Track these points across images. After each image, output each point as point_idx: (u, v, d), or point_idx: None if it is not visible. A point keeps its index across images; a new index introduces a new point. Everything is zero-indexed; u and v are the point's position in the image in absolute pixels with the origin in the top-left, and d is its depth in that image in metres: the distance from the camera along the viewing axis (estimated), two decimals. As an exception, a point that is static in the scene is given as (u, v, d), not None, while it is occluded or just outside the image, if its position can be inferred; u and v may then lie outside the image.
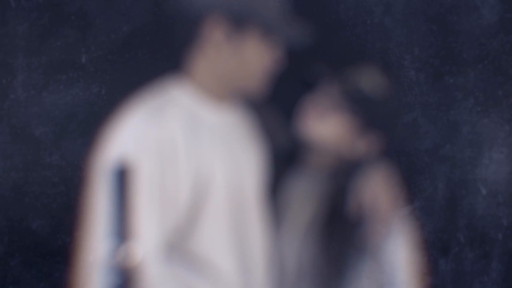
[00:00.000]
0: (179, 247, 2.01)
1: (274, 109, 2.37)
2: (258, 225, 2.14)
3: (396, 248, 2.26)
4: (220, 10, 2.04)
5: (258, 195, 2.16)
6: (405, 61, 3.08)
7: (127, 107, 2.08)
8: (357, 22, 3.08)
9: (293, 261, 2.26)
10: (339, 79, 2.28)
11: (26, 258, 3.13)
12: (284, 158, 2.34)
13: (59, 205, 3.13)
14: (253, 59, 2.07)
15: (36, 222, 3.13)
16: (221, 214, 2.05)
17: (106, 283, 1.59)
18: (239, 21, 2.04)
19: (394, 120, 2.41)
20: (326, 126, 2.26)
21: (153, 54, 3.10)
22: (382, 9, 3.08)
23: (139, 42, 3.10)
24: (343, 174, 2.28)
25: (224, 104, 2.13)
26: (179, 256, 2.01)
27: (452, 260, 3.10)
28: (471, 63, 3.08)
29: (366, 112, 2.26)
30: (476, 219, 3.10)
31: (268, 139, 2.29)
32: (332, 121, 2.26)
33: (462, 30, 3.08)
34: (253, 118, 2.27)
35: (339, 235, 2.24)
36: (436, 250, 3.10)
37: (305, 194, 2.32)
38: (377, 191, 2.23)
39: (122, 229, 1.59)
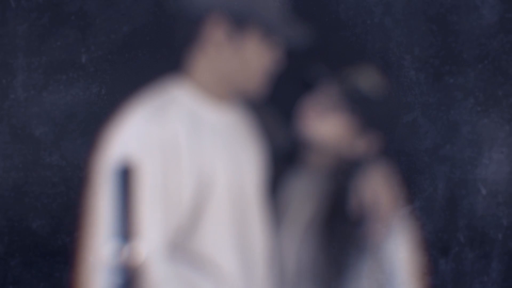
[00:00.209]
0: (181, 246, 2.01)
1: (274, 109, 2.37)
2: (259, 224, 2.14)
3: (396, 248, 2.26)
4: (221, 10, 2.04)
5: (258, 195, 2.17)
6: (405, 61, 3.08)
7: (129, 107, 2.08)
8: (357, 22, 3.08)
9: (293, 260, 2.26)
10: (338, 79, 2.28)
11: (26, 258, 3.13)
12: (284, 157, 2.34)
13: (59, 205, 3.13)
14: (253, 59, 2.08)
15: (36, 222, 3.13)
16: (223, 213, 2.05)
17: (110, 283, 1.59)
18: (240, 21, 2.05)
19: (393, 120, 2.41)
20: (325, 126, 2.27)
21: (153, 54, 3.10)
22: (382, 9, 3.08)
23: (139, 42, 3.10)
24: (343, 174, 2.28)
25: (224, 104, 2.13)
26: (182, 255, 2.01)
27: (452, 260, 3.10)
28: (471, 63, 3.08)
29: (365, 112, 2.26)
30: (476, 219, 3.10)
31: (268, 139, 2.29)
32: (332, 121, 2.26)
33: (462, 30, 3.08)
34: (252, 118, 2.27)
35: (339, 235, 2.25)
36: (436, 250, 3.10)
37: (305, 194, 2.32)
38: (377, 190, 2.23)
39: (125, 228, 1.59)
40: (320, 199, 2.29)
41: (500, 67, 3.08)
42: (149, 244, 1.91)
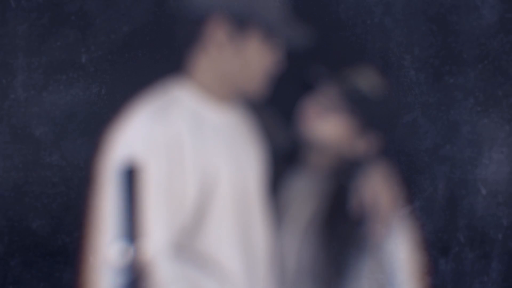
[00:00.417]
0: (185, 246, 2.01)
1: (274, 110, 2.38)
2: (261, 224, 2.15)
3: (396, 248, 2.26)
4: (222, 11, 2.04)
5: (260, 194, 2.17)
6: (405, 61, 3.08)
7: (131, 107, 2.08)
8: (357, 22, 3.08)
9: (294, 260, 2.27)
10: (338, 79, 2.29)
11: (26, 258, 3.13)
12: (284, 158, 2.35)
13: (59, 205, 3.13)
14: (254, 60, 2.08)
15: (36, 222, 3.13)
16: (226, 213, 2.05)
17: (115, 283, 1.59)
18: (241, 22, 2.05)
19: (393, 120, 2.41)
20: (325, 126, 2.27)
21: (153, 54, 3.10)
22: (382, 9, 3.08)
23: (139, 42, 3.10)
24: (343, 174, 2.28)
25: (225, 104, 2.13)
26: (186, 255, 2.02)
27: (452, 260, 3.10)
28: (471, 63, 3.08)
29: (365, 112, 2.27)
30: (476, 219, 3.10)
31: (268, 139, 2.29)
32: (332, 121, 2.27)
33: (462, 30, 3.07)
34: (253, 119, 2.27)
35: (339, 234, 2.25)
36: (436, 250, 3.10)
37: (305, 194, 2.32)
38: (377, 190, 2.23)
39: (131, 229, 1.59)
40: (321, 199, 2.29)
41: (500, 67, 3.08)
42: (155, 244, 1.91)
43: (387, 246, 2.25)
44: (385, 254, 2.26)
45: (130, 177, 1.58)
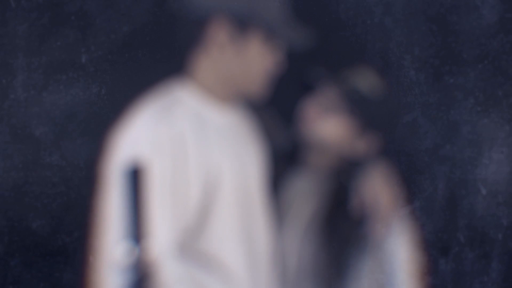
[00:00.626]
0: (189, 246, 2.02)
1: (274, 110, 2.38)
2: (263, 223, 2.15)
3: (396, 248, 2.26)
4: (224, 12, 2.05)
5: (262, 194, 2.17)
6: (405, 61, 3.08)
7: (134, 108, 2.08)
8: (357, 22, 3.08)
9: (295, 259, 2.27)
10: (338, 80, 2.29)
11: (26, 258, 3.13)
12: (285, 158, 2.35)
13: (59, 205, 3.13)
14: (255, 61, 2.08)
15: (36, 222, 3.13)
16: (229, 212, 2.06)
17: (121, 283, 1.59)
18: (242, 23, 2.06)
19: (392, 120, 2.42)
20: (325, 126, 2.27)
21: (153, 54, 3.10)
22: (382, 9, 3.08)
23: (139, 42, 3.10)
24: (344, 174, 2.28)
25: (226, 105, 2.13)
26: (190, 255, 2.02)
27: (452, 260, 3.10)
28: (471, 63, 3.08)
29: (364, 112, 2.27)
30: (476, 219, 3.10)
31: (269, 140, 2.30)
32: (332, 121, 2.27)
33: (462, 30, 3.08)
34: (253, 119, 2.27)
35: (340, 234, 2.25)
36: (436, 250, 3.10)
37: (306, 193, 2.32)
38: (378, 189, 2.23)
39: (136, 228, 1.59)
40: (321, 199, 2.29)
41: (500, 67, 3.08)
42: (160, 244, 1.92)
43: (387, 246, 2.25)
44: (385, 254, 2.26)
45: (135, 177, 1.58)
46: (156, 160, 1.94)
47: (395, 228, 2.26)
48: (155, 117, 2.01)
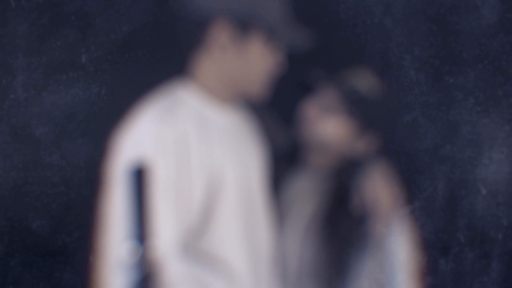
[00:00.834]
0: (192, 246, 2.02)
1: (274, 111, 2.38)
2: (265, 222, 2.16)
3: (396, 248, 2.26)
4: (225, 14, 2.05)
5: (263, 194, 2.18)
6: (405, 61, 3.09)
7: (136, 108, 2.08)
8: (357, 22, 3.08)
9: (295, 259, 2.27)
10: (336, 81, 2.29)
11: (26, 258, 3.13)
12: (285, 158, 2.35)
13: (59, 205, 3.13)
14: (256, 62, 2.09)
15: (36, 222, 3.13)
16: (232, 212, 2.06)
17: (125, 282, 1.59)
18: (244, 25, 2.06)
19: (391, 120, 2.42)
20: (325, 127, 2.27)
21: (153, 54, 3.10)
22: (382, 9, 3.08)
23: (139, 42, 3.10)
24: (344, 174, 2.28)
25: (227, 105, 2.14)
26: (193, 254, 2.02)
27: (452, 260, 3.10)
28: (471, 63, 3.08)
29: (363, 112, 2.27)
30: (476, 219, 3.10)
31: (269, 140, 2.30)
32: (331, 122, 2.27)
33: (462, 30, 3.08)
34: (254, 120, 2.28)
35: (340, 234, 2.25)
36: (436, 250, 3.10)
37: (306, 193, 2.32)
38: (378, 189, 2.23)
39: (140, 228, 1.59)
40: (321, 199, 2.29)
41: (500, 67, 3.08)
42: (164, 244, 1.92)
43: (387, 246, 2.25)
44: (385, 254, 2.26)
45: (139, 177, 1.58)
46: (160, 160, 1.94)
47: (395, 228, 2.26)
48: (158, 117, 2.01)
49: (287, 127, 2.36)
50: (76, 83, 3.12)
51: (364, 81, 2.30)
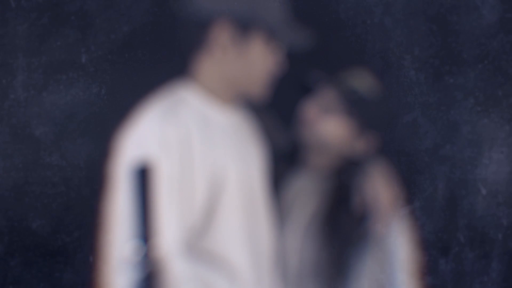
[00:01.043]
0: (195, 245, 2.02)
1: (274, 112, 2.38)
2: (266, 222, 2.16)
3: (396, 248, 2.26)
4: (226, 15, 2.06)
5: (264, 194, 2.18)
6: (405, 61, 3.09)
7: (138, 108, 2.09)
8: (357, 22, 3.08)
9: (296, 259, 2.27)
10: (336, 82, 2.30)
11: (26, 258, 3.13)
12: (285, 158, 2.35)
13: (59, 205, 3.13)
14: (257, 62, 2.10)
15: (36, 222, 3.13)
16: (234, 212, 2.07)
17: (128, 281, 1.60)
18: (244, 25, 2.07)
19: (390, 120, 2.42)
20: (325, 127, 2.27)
21: (153, 54, 3.10)
22: (382, 9, 3.08)
23: (139, 42, 3.10)
24: (344, 174, 2.29)
25: (228, 106, 2.14)
26: (196, 254, 2.03)
27: (452, 260, 3.10)
28: (471, 63, 3.08)
29: (362, 113, 2.28)
30: (476, 219, 3.10)
31: (269, 141, 2.30)
32: (331, 122, 2.27)
33: (462, 30, 3.08)
34: (254, 120, 2.28)
35: (341, 233, 2.25)
36: (436, 250, 3.10)
37: (306, 193, 2.32)
38: (378, 189, 2.23)
39: (144, 227, 1.59)
40: (322, 199, 2.29)
41: (500, 67, 3.08)
42: (168, 243, 1.93)
43: (387, 246, 2.26)
44: (385, 254, 2.26)
45: (143, 177, 1.59)
46: (163, 160, 1.95)
47: (395, 228, 2.26)
48: (161, 117, 2.02)
49: (287, 127, 2.36)
50: (76, 83, 3.12)
51: (363, 81, 2.30)
